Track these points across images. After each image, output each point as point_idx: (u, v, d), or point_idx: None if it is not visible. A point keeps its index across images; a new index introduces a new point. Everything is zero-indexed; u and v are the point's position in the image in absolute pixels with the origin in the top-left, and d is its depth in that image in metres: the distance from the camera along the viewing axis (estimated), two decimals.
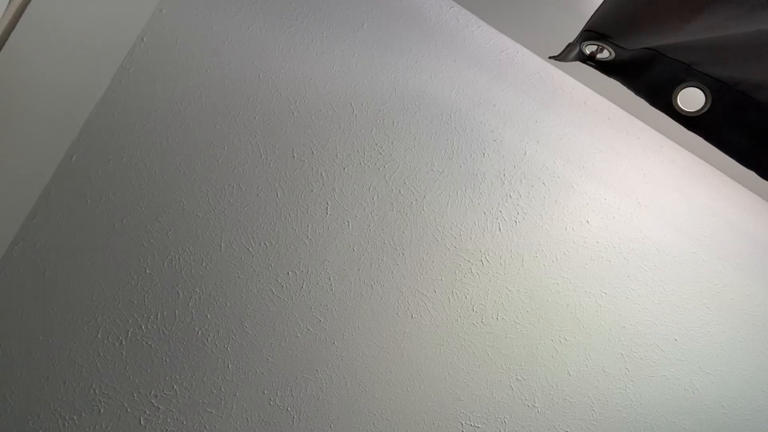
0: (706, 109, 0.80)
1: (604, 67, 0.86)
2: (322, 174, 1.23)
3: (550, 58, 0.94)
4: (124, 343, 1.11)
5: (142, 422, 1.12)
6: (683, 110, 0.82)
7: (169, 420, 1.13)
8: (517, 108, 1.36)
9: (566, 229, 1.38)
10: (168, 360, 1.13)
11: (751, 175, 0.85)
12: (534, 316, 1.35)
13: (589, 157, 1.41)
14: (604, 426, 1.39)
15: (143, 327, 1.12)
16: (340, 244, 1.23)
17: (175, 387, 1.13)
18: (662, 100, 0.83)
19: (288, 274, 1.20)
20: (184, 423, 1.14)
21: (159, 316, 1.13)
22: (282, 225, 1.20)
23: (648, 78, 0.83)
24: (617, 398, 1.40)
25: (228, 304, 1.16)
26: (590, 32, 0.82)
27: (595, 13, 0.81)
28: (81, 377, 1.09)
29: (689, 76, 0.80)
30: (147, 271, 1.12)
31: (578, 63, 0.88)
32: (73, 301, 1.09)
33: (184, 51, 1.15)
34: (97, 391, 1.10)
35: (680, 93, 0.81)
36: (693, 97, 0.81)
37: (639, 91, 0.85)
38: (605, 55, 0.84)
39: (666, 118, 0.83)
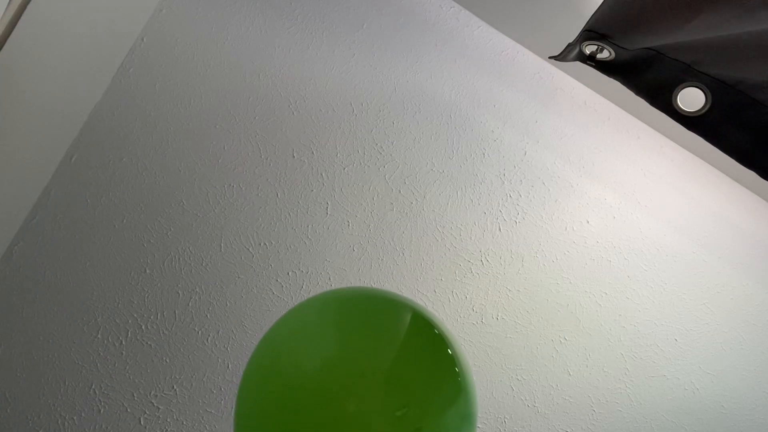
0: (706, 109, 0.80)
1: (604, 67, 0.86)
2: (322, 174, 1.23)
3: (550, 58, 0.94)
4: (124, 343, 1.11)
5: (142, 422, 1.12)
6: (683, 110, 0.82)
7: (169, 420, 1.13)
8: (517, 108, 1.36)
9: (566, 229, 1.38)
10: (168, 360, 1.13)
11: (751, 175, 0.85)
12: (534, 316, 1.35)
13: (589, 157, 1.41)
14: (604, 426, 1.39)
15: (143, 327, 1.12)
16: (340, 244, 1.23)
17: (175, 387, 1.13)
18: (662, 100, 0.83)
19: (288, 274, 1.20)
20: (184, 423, 1.14)
21: (159, 316, 1.13)
22: (282, 225, 1.20)
23: (648, 78, 0.83)
24: (617, 398, 1.40)
25: (228, 304, 1.16)
26: (590, 32, 0.82)
27: (595, 13, 0.81)
28: (81, 377, 1.09)
29: (689, 75, 0.80)
30: (147, 271, 1.12)
31: (578, 63, 0.88)
32: (73, 302, 1.09)
33: (184, 51, 1.15)
34: (97, 391, 1.10)
35: (680, 93, 0.81)
36: (693, 97, 0.81)
37: (639, 91, 0.85)
38: (605, 55, 0.84)
39: (666, 118, 0.83)
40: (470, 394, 0.66)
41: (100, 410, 1.10)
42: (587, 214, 1.40)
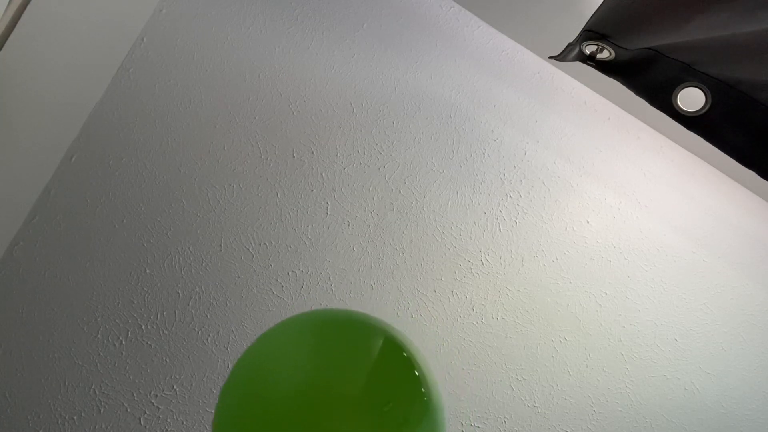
0: (706, 109, 0.80)
1: (604, 67, 0.86)
2: (322, 174, 1.23)
3: (550, 58, 0.94)
4: (124, 343, 1.11)
5: (142, 422, 1.12)
6: (683, 110, 0.82)
7: (169, 420, 1.13)
8: (517, 108, 1.36)
9: (566, 229, 1.38)
10: (168, 360, 1.13)
11: (751, 175, 0.85)
12: (534, 316, 1.35)
13: (589, 157, 1.41)
14: (604, 426, 1.39)
15: (143, 327, 1.12)
16: (340, 244, 1.23)
17: (175, 387, 1.13)
18: (662, 100, 0.83)
19: (288, 274, 1.20)
20: (184, 423, 1.14)
21: (159, 316, 1.13)
22: (282, 225, 1.20)
23: (648, 78, 0.83)
24: (617, 398, 1.40)
25: (228, 304, 1.16)
26: (590, 32, 0.82)
27: (595, 13, 0.81)
28: (81, 377, 1.09)
29: (689, 75, 0.80)
30: (147, 271, 1.12)
31: (578, 63, 0.88)
32: (73, 302, 1.09)
33: (184, 51, 1.15)
34: (97, 391, 1.10)
35: (680, 93, 0.81)
36: (693, 96, 0.81)
37: (639, 91, 0.85)
38: (605, 55, 0.84)
39: (666, 118, 0.83)
40: (438, 412, 0.70)
41: (100, 410, 1.10)
42: (587, 214, 1.40)
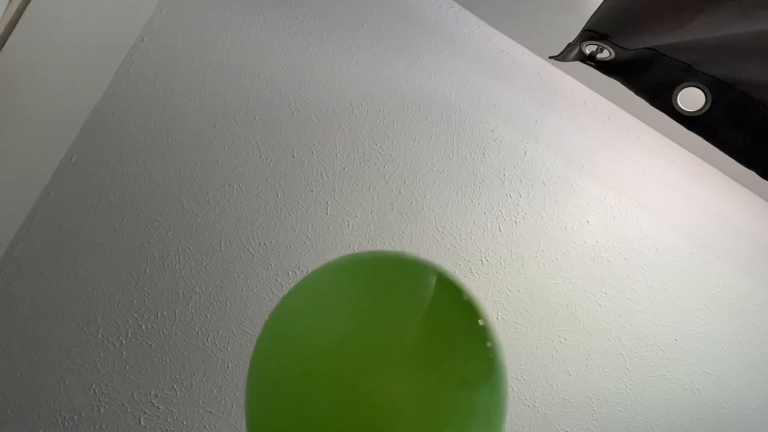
0: (706, 109, 0.80)
1: (604, 67, 0.86)
2: (322, 174, 1.23)
3: (550, 58, 0.94)
4: (124, 343, 1.11)
5: (142, 422, 1.11)
6: (683, 110, 0.82)
7: (169, 420, 1.13)
8: (517, 108, 1.36)
9: (566, 229, 1.38)
10: (168, 360, 1.13)
11: (751, 175, 0.85)
12: (534, 316, 1.35)
13: (589, 157, 1.41)
14: (604, 426, 1.39)
15: (143, 327, 1.12)
16: (340, 244, 1.23)
17: (175, 387, 1.13)
18: (662, 99, 0.83)
19: (288, 274, 1.20)
20: (184, 423, 1.14)
21: (159, 316, 1.13)
22: (282, 225, 1.20)
23: (648, 78, 0.83)
24: (617, 398, 1.40)
25: (228, 304, 1.16)
26: (590, 32, 0.82)
27: (595, 13, 0.81)
28: (81, 377, 1.09)
29: (689, 75, 0.80)
30: (147, 271, 1.12)
31: (578, 63, 0.89)
32: (73, 301, 1.09)
33: (184, 51, 1.15)
34: (97, 391, 1.09)
35: (680, 93, 0.81)
36: (693, 96, 0.81)
37: (639, 91, 0.85)
38: (605, 55, 0.84)
39: (666, 118, 0.84)
40: (502, 374, 0.58)
41: (100, 410, 1.10)
42: (587, 214, 1.40)
